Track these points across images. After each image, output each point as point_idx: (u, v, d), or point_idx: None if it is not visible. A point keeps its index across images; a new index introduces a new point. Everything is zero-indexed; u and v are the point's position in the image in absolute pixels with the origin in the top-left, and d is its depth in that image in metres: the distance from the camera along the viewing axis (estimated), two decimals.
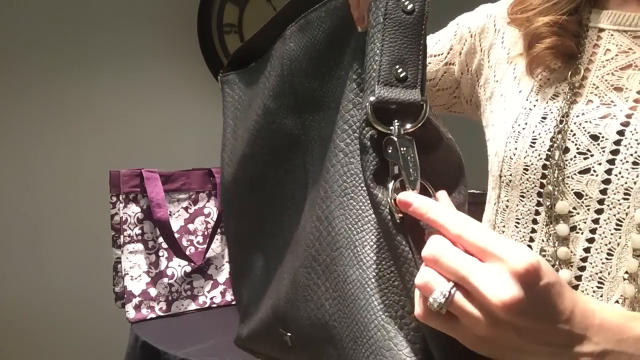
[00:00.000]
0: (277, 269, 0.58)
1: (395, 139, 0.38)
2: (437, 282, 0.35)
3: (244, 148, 0.61)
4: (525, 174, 0.60)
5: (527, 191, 0.60)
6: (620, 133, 0.54)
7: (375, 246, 0.42)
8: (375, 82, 0.37)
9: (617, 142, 0.54)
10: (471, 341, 0.36)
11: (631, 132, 0.54)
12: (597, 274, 0.55)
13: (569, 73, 0.60)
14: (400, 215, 0.38)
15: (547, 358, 0.36)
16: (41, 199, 1.80)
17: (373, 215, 0.43)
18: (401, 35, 0.37)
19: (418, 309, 0.37)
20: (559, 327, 0.35)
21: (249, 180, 0.62)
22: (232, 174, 0.65)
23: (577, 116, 0.57)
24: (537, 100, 0.62)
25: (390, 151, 0.38)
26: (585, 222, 0.56)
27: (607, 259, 0.55)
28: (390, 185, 0.38)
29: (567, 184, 0.57)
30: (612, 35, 0.59)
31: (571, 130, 0.57)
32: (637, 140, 0.53)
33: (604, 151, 0.55)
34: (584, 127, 0.56)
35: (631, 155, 0.53)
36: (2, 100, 1.75)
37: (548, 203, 0.58)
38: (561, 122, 0.58)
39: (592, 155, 0.56)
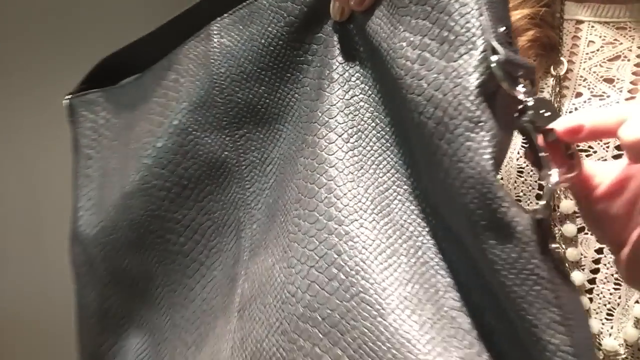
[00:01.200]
0: (185, 349, 0.44)
1: (532, 102, 0.30)
2: None
3: (126, 185, 0.47)
4: (520, 176, 0.57)
5: (525, 194, 0.57)
6: None
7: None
8: (488, 39, 0.29)
9: None
10: None
11: None
12: (612, 275, 0.53)
13: (552, 66, 0.58)
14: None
15: None
16: (41, 198, 1.73)
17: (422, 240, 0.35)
18: None
19: None
20: None
21: (132, 231, 0.47)
22: (100, 222, 0.48)
23: (570, 112, 0.56)
24: None
25: (526, 120, 0.31)
26: None
27: None
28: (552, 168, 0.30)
29: None
30: (592, 26, 0.58)
31: None
32: None
33: (607, 147, 0.53)
34: None
35: None
36: (1, 100, 1.68)
37: (552, 204, 0.55)
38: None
39: (595, 152, 0.54)
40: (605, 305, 0.53)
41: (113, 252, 0.48)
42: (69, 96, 0.55)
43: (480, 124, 0.29)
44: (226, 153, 0.43)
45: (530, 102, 0.30)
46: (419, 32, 0.32)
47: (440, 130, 0.30)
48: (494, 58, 0.29)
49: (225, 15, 0.43)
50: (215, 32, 0.43)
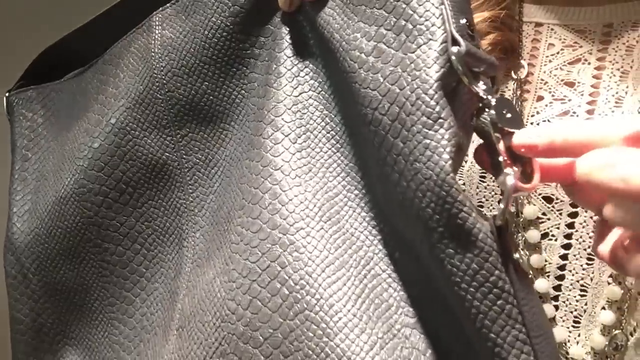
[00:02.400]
0: None
1: (494, 101, 0.28)
2: None
3: (61, 189, 0.43)
4: (483, 181, 0.56)
5: (487, 200, 0.56)
6: None
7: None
8: (449, 30, 0.27)
9: None
10: None
11: None
12: (578, 281, 0.52)
13: (512, 70, 0.57)
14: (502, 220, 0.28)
15: None
16: None
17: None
18: None
19: None
20: None
21: (67, 240, 0.43)
22: (33, 230, 0.45)
23: (532, 115, 0.55)
24: None
25: (486, 120, 0.28)
26: (558, 228, 0.53)
27: (587, 264, 0.52)
28: (509, 173, 0.28)
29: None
30: (552, 29, 0.57)
31: None
32: None
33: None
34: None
35: None
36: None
37: (514, 210, 0.53)
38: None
39: None
40: (571, 312, 0.52)
41: (47, 263, 0.44)
42: (7, 94, 0.52)
43: (440, 121, 0.27)
44: (167, 154, 0.40)
45: (492, 101, 0.28)
46: (375, 22, 0.30)
47: (396, 127, 0.28)
48: (454, 49, 0.27)
49: (168, 5, 0.40)
50: (157, 24, 0.40)
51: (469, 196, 0.27)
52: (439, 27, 0.27)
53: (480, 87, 0.28)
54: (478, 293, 0.26)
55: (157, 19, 0.40)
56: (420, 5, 0.28)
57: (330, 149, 0.34)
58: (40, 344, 0.45)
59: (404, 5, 0.29)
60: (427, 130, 0.27)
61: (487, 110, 0.28)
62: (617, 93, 0.53)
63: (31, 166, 0.47)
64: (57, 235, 0.43)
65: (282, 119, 0.34)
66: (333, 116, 0.34)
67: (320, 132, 0.34)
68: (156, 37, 0.40)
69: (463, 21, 0.28)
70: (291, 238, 0.31)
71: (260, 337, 0.30)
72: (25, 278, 0.45)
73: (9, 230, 0.46)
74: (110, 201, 0.41)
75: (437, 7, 0.28)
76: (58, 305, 0.44)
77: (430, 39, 0.27)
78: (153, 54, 0.40)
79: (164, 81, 0.39)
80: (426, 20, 0.28)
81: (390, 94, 0.28)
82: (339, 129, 0.34)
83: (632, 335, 0.51)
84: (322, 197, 0.33)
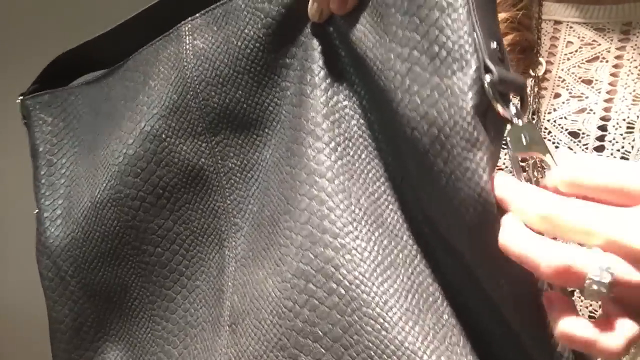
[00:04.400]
0: None
1: (521, 125, 0.29)
2: (582, 256, 0.25)
3: (97, 194, 0.44)
4: None
5: None
6: (602, 128, 0.53)
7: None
8: (481, 57, 0.28)
9: (600, 138, 0.53)
10: None
11: (614, 126, 0.52)
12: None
13: (530, 67, 0.58)
14: None
15: None
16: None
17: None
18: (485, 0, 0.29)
19: (566, 328, 0.27)
20: None
21: (105, 243, 0.45)
22: (69, 234, 0.46)
23: (549, 112, 0.56)
24: None
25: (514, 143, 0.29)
26: None
27: None
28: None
29: (559, 125, 0.54)
30: (571, 27, 0.58)
31: (545, 128, 0.55)
32: (622, 134, 0.52)
33: (586, 148, 0.53)
34: (560, 125, 0.54)
35: (618, 150, 0.52)
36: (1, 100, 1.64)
37: None
38: (532, 119, 0.56)
39: (574, 153, 0.53)
40: (586, 307, 0.53)
41: (85, 265, 0.45)
42: (22, 98, 0.53)
43: (478, 145, 0.28)
44: (203, 160, 0.42)
45: (520, 123, 0.29)
46: (407, 44, 0.31)
47: (436, 147, 0.29)
48: (487, 78, 0.28)
49: (197, 15, 0.42)
50: (187, 33, 0.42)
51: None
52: (472, 55, 0.28)
53: (511, 111, 0.29)
54: (521, 311, 0.29)
55: (187, 28, 0.42)
56: (453, 33, 0.29)
57: (368, 155, 0.35)
58: (81, 342, 0.47)
59: (436, 32, 0.29)
60: (466, 153, 0.28)
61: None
62: (634, 91, 0.53)
63: (58, 171, 0.48)
64: (95, 239, 0.45)
65: (322, 128, 0.35)
66: (369, 125, 0.36)
67: (358, 140, 0.36)
68: (187, 46, 0.41)
69: (494, 45, 0.29)
70: (342, 242, 0.33)
71: (320, 332, 0.33)
72: (62, 280, 0.47)
73: (41, 234, 0.47)
74: (147, 205, 0.43)
75: (469, 35, 0.29)
76: (97, 305, 0.46)
77: (464, 67, 0.29)
78: (186, 63, 0.41)
79: (198, 90, 0.41)
80: (460, 48, 0.29)
81: (429, 117, 0.29)
82: (375, 137, 0.36)
83: None
84: (366, 201, 0.34)
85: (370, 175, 0.35)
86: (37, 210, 0.48)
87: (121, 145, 0.43)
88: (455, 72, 0.29)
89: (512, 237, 0.27)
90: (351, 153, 0.35)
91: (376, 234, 0.34)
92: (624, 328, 0.26)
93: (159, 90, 0.42)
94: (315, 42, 0.38)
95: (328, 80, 0.37)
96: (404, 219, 0.35)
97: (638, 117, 0.52)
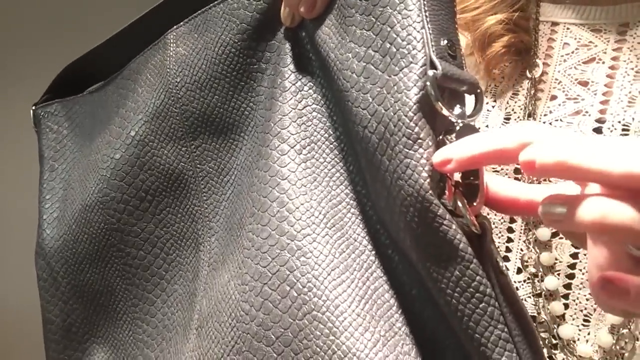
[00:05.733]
0: None
1: (459, 126, 0.29)
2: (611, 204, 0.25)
3: (86, 197, 0.46)
4: None
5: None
6: (598, 130, 0.52)
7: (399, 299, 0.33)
8: (428, 53, 0.28)
9: None
10: None
11: (609, 129, 0.52)
12: (587, 280, 0.52)
13: (527, 69, 0.58)
14: (477, 230, 0.29)
15: None
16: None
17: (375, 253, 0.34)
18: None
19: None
20: None
21: (92, 245, 0.46)
22: (62, 236, 0.48)
23: (545, 115, 0.55)
24: (494, 101, 0.59)
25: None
26: None
27: None
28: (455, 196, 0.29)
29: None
30: (568, 28, 0.57)
31: None
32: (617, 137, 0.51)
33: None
34: (555, 127, 0.54)
35: None
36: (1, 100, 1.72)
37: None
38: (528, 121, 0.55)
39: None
40: (581, 311, 0.53)
41: (75, 267, 0.47)
42: (34, 107, 0.55)
43: (419, 141, 0.28)
44: (182, 164, 0.42)
45: (458, 126, 0.29)
46: (364, 43, 0.31)
47: (382, 145, 0.29)
48: (430, 73, 0.28)
49: (182, 23, 0.43)
50: (171, 41, 0.43)
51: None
52: (419, 51, 0.28)
53: (454, 112, 0.29)
54: (462, 298, 0.28)
55: (172, 36, 0.43)
56: (403, 29, 0.29)
57: (333, 159, 0.36)
58: (70, 342, 0.49)
59: (388, 29, 0.30)
60: (407, 150, 0.28)
61: (451, 134, 0.29)
62: (630, 92, 0.53)
63: (58, 176, 0.50)
64: (84, 241, 0.46)
65: (288, 131, 0.36)
66: (335, 129, 0.36)
67: (323, 144, 0.36)
68: (171, 53, 0.42)
69: (444, 42, 0.29)
70: (298, 244, 0.33)
71: (273, 336, 0.32)
72: (55, 281, 0.48)
73: (39, 236, 0.49)
74: (131, 208, 0.44)
75: (418, 31, 0.29)
76: (86, 306, 0.47)
77: (411, 62, 0.29)
78: (169, 69, 0.42)
79: (179, 95, 0.42)
80: (408, 44, 0.29)
81: (377, 114, 0.30)
82: (340, 141, 0.36)
83: None
84: (327, 204, 0.34)
85: (333, 178, 0.35)
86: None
87: (110, 149, 0.45)
88: (402, 69, 0.29)
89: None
90: (316, 156, 0.36)
91: (334, 237, 0.34)
92: None
93: (145, 97, 0.44)
94: (287, 47, 0.38)
95: (298, 84, 0.37)
96: (364, 224, 0.34)
97: (634, 119, 0.51)
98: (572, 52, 0.57)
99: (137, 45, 0.46)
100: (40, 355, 1.65)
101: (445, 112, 0.29)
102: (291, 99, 0.36)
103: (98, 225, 0.45)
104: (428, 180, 0.28)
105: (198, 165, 0.42)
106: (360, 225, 0.34)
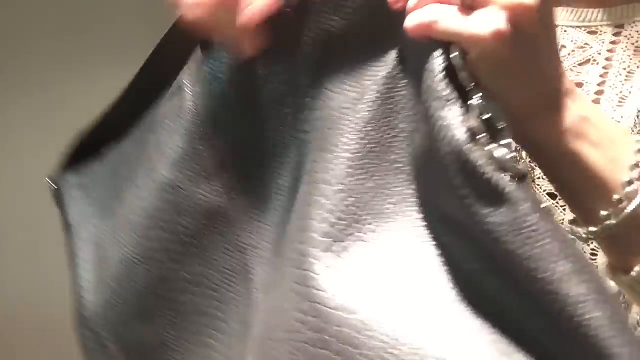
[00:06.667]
0: None
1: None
2: None
3: (123, 254, 0.44)
4: None
5: None
6: None
7: None
8: None
9: None
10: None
11: None
12: (588, 245, 0.54)
13: None
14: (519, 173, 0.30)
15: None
16: (39, 198, 1.78)
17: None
18: None
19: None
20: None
21: (138, 301, 0.44)
22: (104, 300, 0.45)
23: None
24: None
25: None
26: (562, 224, 0.54)
27: (591, 259, 0.55)
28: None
29: (538, 185, 0.55)
30: (565, 31, 0.59)
31: None
32: None
33: None
34: None
35: None
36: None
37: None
38: None
39: None
40: None
41: (124, 329, 0.45)
42: (52, 177, 0.53)
43: (450, 101, 0.31)
44: (219, 199, 0.41)
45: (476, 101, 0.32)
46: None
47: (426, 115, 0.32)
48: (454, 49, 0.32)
49: (192, 61, 0.43)
50: (186, 81, 0.43)
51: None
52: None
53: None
54: (519, 241, 0.29)
55: (186, 76, 0.43)
56: None
57: (392, 171, 0.37)
58: None
59: None
60: (439, 113, 0.31)
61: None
62: (620, 92, 0.54)
63: (87, 241, 0.48)
64: (128, 299, 0.44)
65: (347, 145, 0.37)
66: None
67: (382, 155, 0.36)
68: (188, 94, 0.42)
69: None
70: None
71: (327, 337, 0.32)
72: (104, 349, 0.46)
73: (78, 306, 0.47)
74: (174, 255, 0.42)
75: None
76: None
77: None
78: (189, 110, 0.42)
79: (205, 133, 0.41)
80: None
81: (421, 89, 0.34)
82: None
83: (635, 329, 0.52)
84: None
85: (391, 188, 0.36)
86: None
87: (139, 201, 0.44)
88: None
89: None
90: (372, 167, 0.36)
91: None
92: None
93: (167, 142, 0.43)
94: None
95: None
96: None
97: (622, 117, 0.53)
98: (569, 55, 0.58)
99: (147, 99, 0.46)
100: (40, 355, 1.66)
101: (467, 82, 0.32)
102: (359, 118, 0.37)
103: (141, 279, 0.43)
104: (465, 135, 0.30)
105: (234, 197, 0.41)
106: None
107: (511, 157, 0.30)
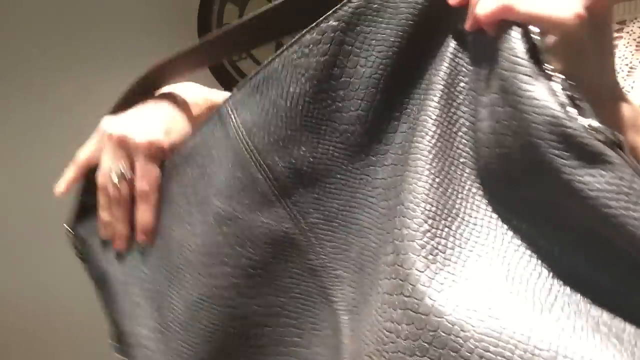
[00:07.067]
0: None
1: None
2: None
3: (187, 297, 0.42)
4: None
5: None
6: None
7: None
8: None
9: None
10: None
11: None
12: None
13: None
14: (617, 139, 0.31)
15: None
16: (41, 198, 1.76)
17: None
18: None
19: None
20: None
21: (210, 342, 0.42)
22: (172, 348, 0.43)
23: None
24: None
25: None
26: None
27: None
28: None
29: None
30: None
31: None
32: None
33: None
34: None
35: None
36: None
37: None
38: None
39: None
40: None
41: None
42: (69, 226, 0.50)
43: (540, 76, 0.31)
44: (284, 225, 0.40)
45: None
46: None
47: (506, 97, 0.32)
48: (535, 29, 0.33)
49: (235, 90, 0.43)
50: (229, 112, 0.42)
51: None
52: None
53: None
54: (628, 203, 0.29)
55: (228, 107, 0.42)
56: None
57: (468, 176, 0.36)
58: None
59: None
60: (528, 85, 0.31)
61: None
62: (622, 88, 0.54)
63: (136, 290, 0.45)
64: (199, 344, 0.42)
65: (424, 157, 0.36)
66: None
67: (455, 166, 0.36)
68: (234, 123, 0.41)
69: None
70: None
71: (425, 344, 0.31)
72: None
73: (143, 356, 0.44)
74: (243, 289, 0.41)
75: None
76: None
77: None
78: (238, 138, 0.41)
79: (260, 160, 0.40)
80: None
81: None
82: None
83: None
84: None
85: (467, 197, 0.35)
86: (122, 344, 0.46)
87: (196, 239, 0.42)
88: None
89: None
90: (449, 177, 0.35)
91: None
92: None
93: (218, 174, 0.42)
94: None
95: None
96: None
97: None
98: None
99: None
100: (40, 355, 1.64)
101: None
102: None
103: (212, 320, 0.41)
104: (554, 101, 0.30)
105: (302, 221, 0.40)
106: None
107: (606, 127, 0.31)
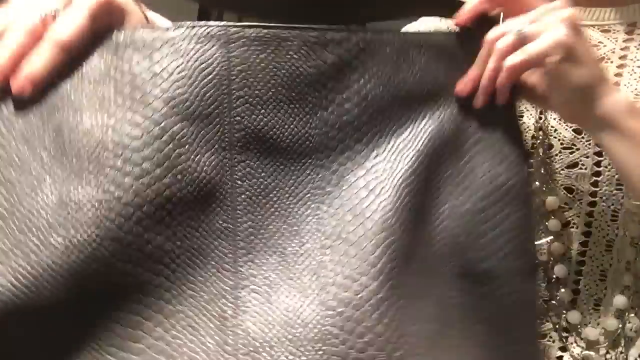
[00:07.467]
0: None
1: None
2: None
3: (74, 195, 0.35)
4: None
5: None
6: None
7: None
8: None
9: None
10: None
11: None
12: (597, 267, 0.55)
13: None
14: None
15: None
16: None
17: None
18: None
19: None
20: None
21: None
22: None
23: (554, 119, 0.58)
24: None
25: None
26: (579, 217, 0.56)
27: (606, 250, 0.55)
28: None
29: (555, 179, 0.57)
30: None
31: (552, 126, 0.57)
32: None
33: (589, 144, 0.55)
34: (565, 122, 0.57)
35: None
36: None
37: (537, 200, 0.57)
38: (540, 118, 0.58)
39: (577, 149, 0.56)
40: (592, 296, 0.56)
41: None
42: None
43: None
44: (219, 177, 0.38)
45: None
46: None
47: None
48: None
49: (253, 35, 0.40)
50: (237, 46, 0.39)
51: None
52: None
53: None
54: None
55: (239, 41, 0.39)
56: None
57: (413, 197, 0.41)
58: None
59: None
60: None
61: None
62: (636, 89, 0.55)
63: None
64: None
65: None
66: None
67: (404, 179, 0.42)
68: (236, 56, 0.38)
69: None
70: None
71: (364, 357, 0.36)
72: None
73: None
74: (141, 215, 0.35)
75: None
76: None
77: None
78: (232, 77, 0.38)
79: (234, 105, 0.38)
80: None
81: None
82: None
83: None
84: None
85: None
86: None
87: (124, 138, 0.35)
88: None
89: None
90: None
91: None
92: None
93: (188, 87, 0.37)
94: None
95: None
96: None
97: None
98: None
99: None
100: None
101: None
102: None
103: (86, 228, 0.34)
104: None
105: (237, 181, 0.38)
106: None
107: None
